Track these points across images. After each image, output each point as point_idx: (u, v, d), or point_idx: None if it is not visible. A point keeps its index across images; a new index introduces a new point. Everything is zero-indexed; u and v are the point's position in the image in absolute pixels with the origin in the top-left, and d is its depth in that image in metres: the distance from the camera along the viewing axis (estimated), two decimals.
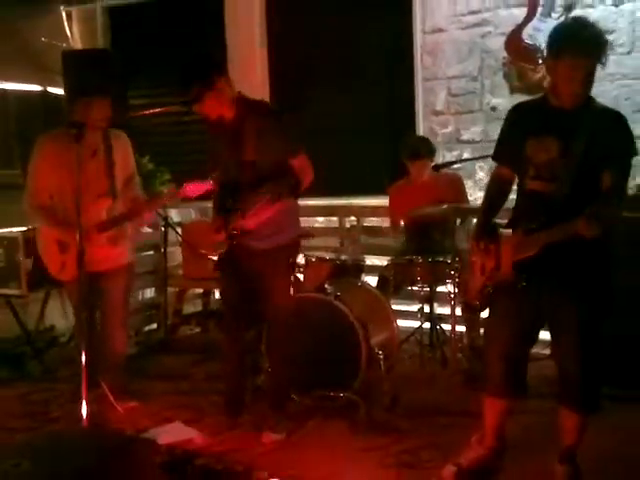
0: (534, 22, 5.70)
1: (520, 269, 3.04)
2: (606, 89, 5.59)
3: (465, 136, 6.15)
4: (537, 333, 3.21)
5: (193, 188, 3.91)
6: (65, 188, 3.94)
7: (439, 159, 5.75)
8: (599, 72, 5.45)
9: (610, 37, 5.51)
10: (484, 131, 6.02)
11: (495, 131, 5.79)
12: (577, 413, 3.10)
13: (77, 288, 3.90)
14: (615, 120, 3.01)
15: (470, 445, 3.37)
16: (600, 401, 3.12)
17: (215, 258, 3.94)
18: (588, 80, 2.97)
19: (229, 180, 3.76)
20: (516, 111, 3.22)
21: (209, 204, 6.30)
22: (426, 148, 5.02)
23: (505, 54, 5.82)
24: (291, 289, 4.03)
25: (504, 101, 5.81)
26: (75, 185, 3.69)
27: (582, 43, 2.94)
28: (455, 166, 4.95)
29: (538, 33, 5.69)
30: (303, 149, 3.74)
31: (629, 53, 5.54)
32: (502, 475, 3.28)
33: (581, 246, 2.87)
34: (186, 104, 3.75)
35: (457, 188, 5.03)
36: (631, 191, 4.30)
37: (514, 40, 5.75)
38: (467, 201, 5.10)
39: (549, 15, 5.68)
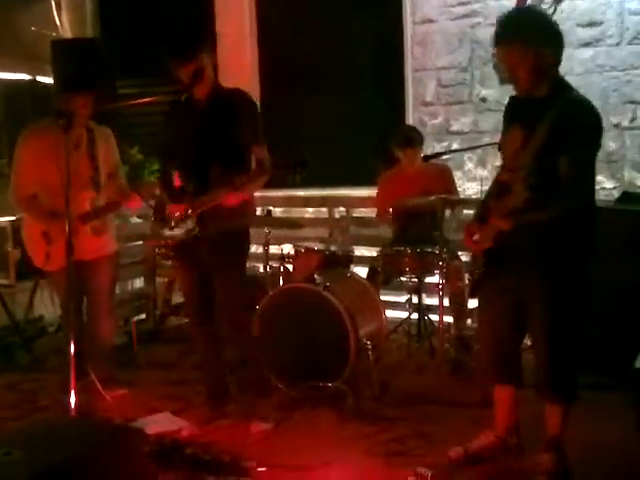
0: None
1: (489, 257, 3.11)
2: (595, 80, 5.62)
3: (455, 127, 6.16)
4: (525, 321, 3.22)
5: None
6: (50, 179, 3.95)
7: (428, 150, 5.76)
8: (588, 63, 5.50)
9: (598, 29, 5.58)
10: (474, 122, 6.02)
11: (485, 122, 5.91)
12: (550, 402, 3.14)
13: (63, 278, 3.88)
14: (578, 109, 2.96)
15: (484, 432, 3.41)
16: (576, 390, 3.14)
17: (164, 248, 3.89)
18: (520, 66, 2.97)
19: (192, 162, 3.71)
20: (507, 103, 3.27)
21: None
22: (417, 137, 5.04)
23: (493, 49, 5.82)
24: (241, 279, 3.90)
25: (494, 92, 5.83)
26: (63, 176, 3.68)
27: (498, 32, 3.01)
28: (444, 157, 4.94)
29: None
30: (266, 143, 3.72)
31: (617, 45, 5.55)
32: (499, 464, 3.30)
33: (536, 234, 2.97)
34: (177, 93, 3.76)
35: (446, 179, 5.05)
36: None
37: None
38: (456, 192, 5.12)
39: (538, 6, 5.67)
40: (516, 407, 3.35)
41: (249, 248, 3.97)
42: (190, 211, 3.62)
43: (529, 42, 2.95)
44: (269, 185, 3.80)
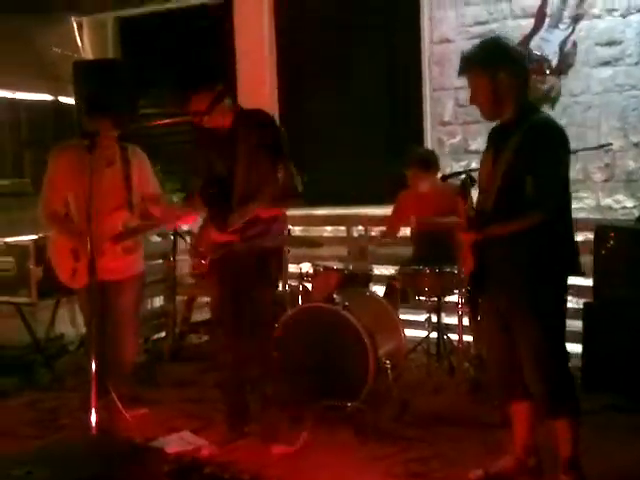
0: (541, 33, 5.74)
1: (472, 281, 3.18)
2: (614, 100, 5.62)
3: (473, 146, 6.16)
4: None
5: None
6: (79, 198, 3.99)
7: (447, 169, 5.77)
8: (607, 83, 5.51)
9: (618, 48, 5.58)
10: None
11: None
12: (552, 419, 3.14)
13: (87, 296, 3.94)
14: (541, 129, 3.03)
15: (504, 455, 3.39)
16: (576, 404, 3.13)
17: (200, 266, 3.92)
18: (478, 92, 3.09)
19: (221, 186, 3.76)
20: (490, 131, 3.34)
21: None
22: (432, 160, 5.06)
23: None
24: (270, 298, 3.91)
25: None
26: (87, 195, 3.72)
27: (461, 62, 3.13)
28: (463, 176, 4.93)
29: (545, 44, 5.72)
30: (290, 163, 3.72)
31: (637, 64, 5.54)
32: None
33: (508, 254, 3.06)
34: (198, 114, 3.80)
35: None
36: None
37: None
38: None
39: (556, 26, 5.71)
40: (533, 427, 3.32)
41: (282, 269, 4.01)
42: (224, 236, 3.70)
43: (484, 68, 3.05)
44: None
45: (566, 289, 3.18)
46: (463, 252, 3.23)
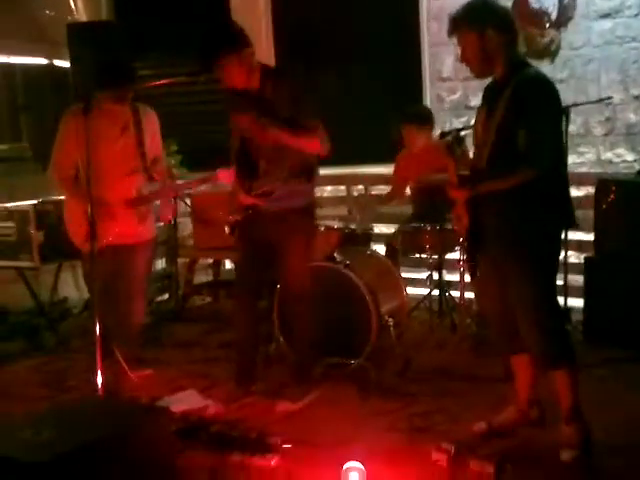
0: None
1: (469, 236, 3.21)
2: (614, 52, 5.57)
3: (473, 102, 6.10)
4: None
5: (226, 174, 3.95)
6: (94, 163, 3.90)
7: (447, 125, 5.74)
8: (607, 35, 5.47)
9: (618, 0, 5.51)
10: None
11: None
12: (548, 369, 3.18)
13: (101, 259, 3.94)
14: (530, 84, 3.04)
15: (507, 406, 3.43)
16: (571, 353, 3.16)
17: (229, 225, 3.95)
18: (467, 50, 3.12)
19: (251, 147, 3.77)
20: (484, 88, 3.35)
21: None
22: (426, 115, 5.08)
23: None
24: (307, 257, 3.94)
25: None
26: (86, 163, 3.74)
27: (449, 22, 3.18)
28: (463, 132, 4.91)
29: None
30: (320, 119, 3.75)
31: (637, 16, 5.49)
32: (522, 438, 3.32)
33: (503, 209, 3.08)
34: (195, 74, 3.77)
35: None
36: None
37: (521, 4, 5.70)
38: None
39: None
40: (536, 379, 3.35)
41: (315, 229, 4.08)
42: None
43: (472, 26, 3.08)
44: None
45: (559, 243, 3.21)
46: (457, 209, 3.24)
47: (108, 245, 4.02)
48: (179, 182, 4.55)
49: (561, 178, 3.15)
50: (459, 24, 3.13)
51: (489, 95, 3.22)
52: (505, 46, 3.09)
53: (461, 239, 3.49)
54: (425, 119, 5.04)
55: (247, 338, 4.02)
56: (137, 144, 4.12)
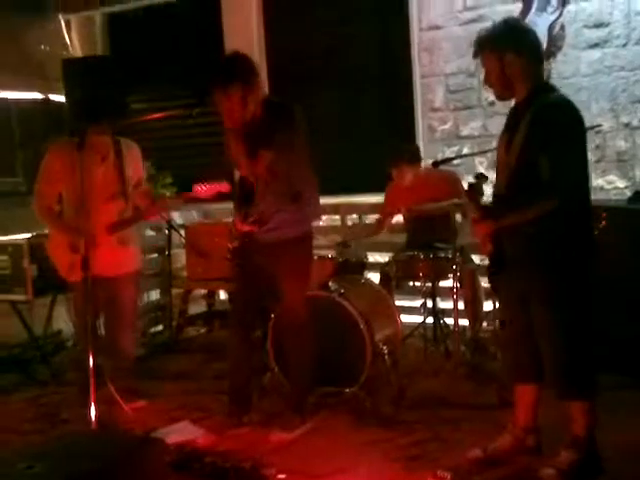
0: (530, 17, 5.73)
1: (493, 261, 3.21)
2: (603, 81, 5.63)
3: (464, 132, 6.17)
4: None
5: (203, 190, 3.96)
6: (73, 193, 4.04)
7: (439, 155, 5.79)
8: (596, 65, 5.53)
9: (606, 30, 5.59)
10: (483, 126, 6.04)
11: (494, 126, 5.92)
12: (564, 399, 3.16)
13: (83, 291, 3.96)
14: (552, 108, 3.03)
15: (503, 432, 3.41)
16: (593, 387, 3.15)
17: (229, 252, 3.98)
18: (490, 72, 3.15)
19: (248, 177, 3.79)
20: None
21: (212, 206, 6.40)
22: (417, 154, 5.18)
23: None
24: (303, 287, 3.94)
25: None
26: (79, 192, 3.79)
27: (474, 44, 3.19)
28: (455, 162, 4.99)
29: (534, 28, 5.70)
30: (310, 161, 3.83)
31: (624, 46, 5.55)
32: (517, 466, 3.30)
33: (528, 239, 3.07)
34: (189, 107, 3.82)
35: (451, 184, 5.05)
36: None
37: None
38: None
39: (544, 10, 5.70)
40: (536, 408, 3.34)
41: (311, 256, 4.06)
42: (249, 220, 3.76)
43: (493, 49, 3.10)
44: None
45: (586, 274, 3.14)
46: (481, 240, 3.22)
47: (93, 277, 4.04)
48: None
49: (586, 207, 3.12)
50: (482, 47, 3.15)
51: (511, 119, 3.19)
52: (527, 70, 3.09)
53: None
54: (417, 157, 5.12)
55: (241, 368, 4.00)
56: (117, 171, 4.17)
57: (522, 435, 3.35)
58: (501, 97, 3.22)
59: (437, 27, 6.19)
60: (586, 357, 3.16)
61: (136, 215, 4.26)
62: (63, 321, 5.73)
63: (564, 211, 2.99)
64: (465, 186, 3.42)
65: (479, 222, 3.16)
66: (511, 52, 3.07)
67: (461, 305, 4.74)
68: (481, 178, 3.27)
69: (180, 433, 3.84)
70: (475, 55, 3.20)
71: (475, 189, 3.24)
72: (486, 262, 4.91)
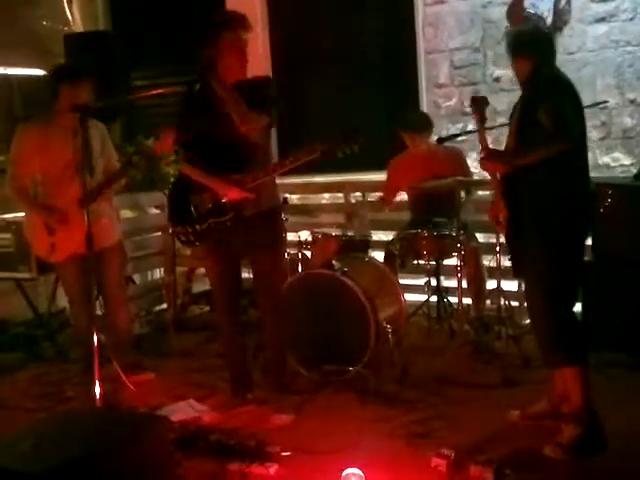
0: None
1: (507, 238, 3.45)
2: (609, 56, 5.57)
3: (469, 108, 6.11)
4: None
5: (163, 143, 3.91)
6: (47, 172, 4.12)
7: (443, 132, 5.75)
8: (602, 39, 5.51)
9: (612, 4, 5.52)
10: None
11: (499, 102, 5.86)
12: (554, 367, 3.30)
13: (70, 269, 4.15)
14: (547, 79, 3.31)
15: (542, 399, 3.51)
16: (582, 353, 3.22)
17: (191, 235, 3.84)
18: (517, 70, 3.46)
19: (228, 142, 3.67)
20: None
21: None
22: (424, 122, 5.09)
23: (507, 24, 5.79)
24: (283, 258, 4.04)
25: (507, 72, 5.72)
26: (53, 169, 3.94)
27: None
28: (460, 138, 4.95)
29: (540, 2, 5.66)
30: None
31: (632, 20, 5.49)
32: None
33: (519, 192, 3.28)
34: (190, 84, 3.77)
35: (457, 161, 5.03)
36: None
37: (516, 9, 5.71)
38: (469, 174, 5.11)
39: None
40: None
41: (285, 228, 4.08)
42: (249, 184, 3.64)
43: (511, 53, 3.47)
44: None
45: (578, 240, 3.32)
46: (494, 200, 3.44)
47: (73, 255, 4.05)
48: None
49: (586, 167, 3.32)
50: (507, 49, 3.51)
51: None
52: (533, 67, 3.34)
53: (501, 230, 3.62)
54: (426, 125, 5.07)
55: (236, 350, 4.01)
56: (84, 144, 4.05)
57: (557, 401, 3.39)
58: (520, 83, 3.48)
59: (442, 2, 6.12)
60: (571, 324, 3.27)
61: (102, 184, 4.18)
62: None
63: (563, 174, 3.18)
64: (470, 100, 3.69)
65: (486, 158, 3.39)
66: (521, 58, 3.40)
67: (464, 283, 4.73)
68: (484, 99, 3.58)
69: (184, 411, 3.86)
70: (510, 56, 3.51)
71: (480, 101, 3.54)
72: (490, 240, 4.99)
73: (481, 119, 3.51)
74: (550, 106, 3.14)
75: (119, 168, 4.22)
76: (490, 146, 3.52)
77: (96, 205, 4.11)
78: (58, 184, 4.12)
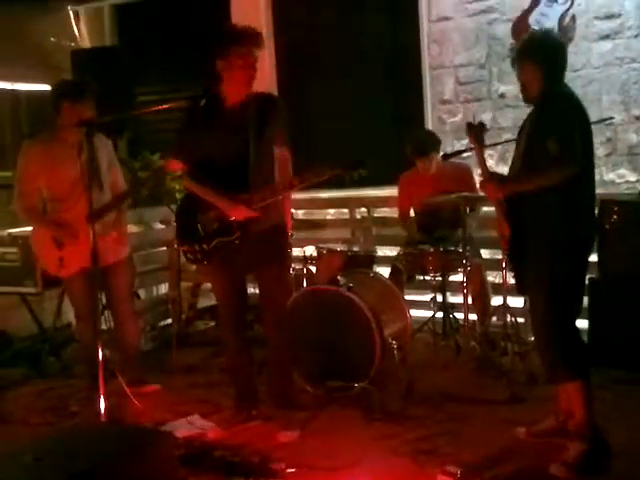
0: (540, 7, 5.70)
1: (510, 256, 3.47)
2: (614, 73, 5.59)
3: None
4: None
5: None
6: (53, 188, 4.15)
7: (448, 148, 5.76)
8: (607, 56, 5.53)
9: (617, 21, 5.55)
10: (493, 118, 6.00)
11: (504, 118, 5.89)
12: (557, 382, 3.31)
13: (78, 283, 4.15)
14: (556, 100, 3.26)
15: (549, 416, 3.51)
16: (583, 367, 3.23)
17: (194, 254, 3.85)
18: (520, 77, 3.41)
19: (228, 162, 3.69)
20: None
21: None
22: (432, 143, 5.06)
23: (512, 40, 5.81)
24: (287, 275, 4.06)
25: (512, 88, 5.76)
26: (60, 185, 3.95)
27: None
28: (465, 155, 4.96)
29: (544, 18, 5.68)
30: (289, 143, 3.81)
31: (636, 37, 5.51)
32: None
33: (523, 212, 3.29)
34: (195, 99, 3.79)
35: (464, 178, 5.03)
36: None
37: (521, 26, 5.74)
38: (475, 189, 5.10)
39: (555, 1, 5.66)
40: None
41: (290, 244, 4.07)
42: (257, 204, 3.64)
43: (519, 57, 3.40)
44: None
45: (581, 259, 3.30)
46: (498, 218, 3.42)
47: (81, 269, 4.05)
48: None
49: (591, 190, 3.30)
50: (516, 54, 3.44)
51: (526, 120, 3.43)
52: (542, 78, 3.30)
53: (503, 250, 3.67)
54: (433, 144, 5.07)
55: (242, 366, 4.01)
56: (90, 159, 4.10)
57: (563, 418, 3.38)
58: (524, 99, 3.43)
59: (447, 18, 6.15)
60: (574, 338, 3.27)
61: (112, 202, 4.26)
62: (72, 313, 5.74)
63: (571, 191, 3.15)
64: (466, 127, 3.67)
65: (486, 183, 3.39)
66: (530, 63, 3.33)
67: (470, 299, 4.71)
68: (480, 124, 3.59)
69: (189, 427, 3.85)
70: (512, 62, 3.46)
71: (475, 127, 3.55)
72: (495, 256, 4.98)
73: (478, 144, 3.53)
74: (559, 137, 3.12)
75: (127, 188, 4.25)
76: (491, 169, 3.52)
77: (105, 220, 4.14)
78: (66, 199, 4.14)
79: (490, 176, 3.45)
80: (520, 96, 3.46)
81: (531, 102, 3.40)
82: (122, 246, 4.39)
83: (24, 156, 4.25)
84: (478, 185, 3.56)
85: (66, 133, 4.14)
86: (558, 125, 3.15)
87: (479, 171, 3.53)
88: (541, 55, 3.34)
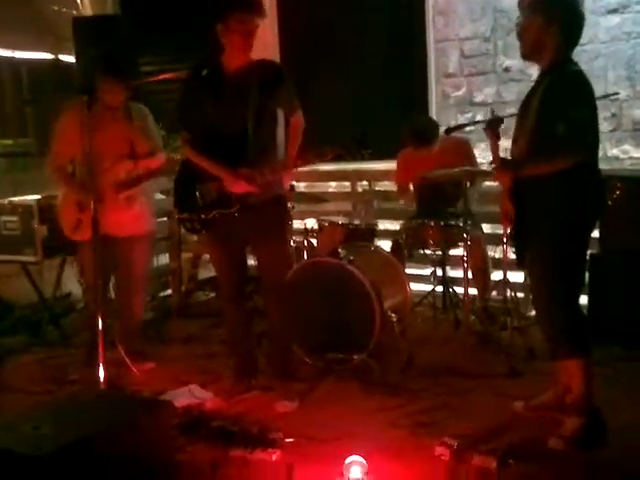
0: None
1: (513, 225, 3.36)
2: (621, 48, 5.54)
3: (478, 98, 6.09)
4: None
5: None
6: (90, 151, 4.00)
7: (452, 122, 5.72)
8: (615, 31, 5.45)
9: None
10: (497, 92, 5.96)
11: (508, 92, 5.85)
12: (560, 358, 3.30)
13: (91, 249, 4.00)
14: (564, 78, 3.12)
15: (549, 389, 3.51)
16: (585, 345, 3.22)
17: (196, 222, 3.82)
18: (526, 31, 3.21)
19: (229, 132, 3.67)
20: None
21: None
22: (432, 130, 5.00)
23: (519, 13, 5.73)
24: (287, 246, 4.05)
25: (517, 62, 5.71)
26: (87, 151, 3.77)
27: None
28: (468, 128, 4.92)
29: None
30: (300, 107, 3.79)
31: None
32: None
33: (528, 193, 3.21)
34: (197, 67, 3.75)
35: (464, 152, 5.00)
36: None
37: None
38: (475, 164, 5.07)
39: None
40: None
41: (290, 216, 4.03)
42: (257, 181, 3.61)
43: (531, 10, 3.18)
44: None
45: (584, 240, 3.28)
46: (502, 200, 3.40)
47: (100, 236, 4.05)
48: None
49: (596, 170, 3.23)
50: (526, 4, 3.22)
51: (532, 87, 3.30)
52: (556, 41, 3.13)
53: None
54: (434, 133, 5.00)
55: (239, 334, 4.02)
56: (127, 131, 4.18)
57: (562, 392, 3.38)
58: (524, 56, 3.29)
59: None
60: (577, 315, 3.26)
61: (143, 175, 4.24)
62: (72, 283, 5.75)
63: (577, 173, 3.08)
64: (485, 124, 3.54)
65: (499, 171, 3.33)
66: (543, 19, 3.13)
67: (470, 274, 4.71)
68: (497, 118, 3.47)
69: (188, 396, 3.86)
70: (520, 6, 3.26)
71: (496, 123, 3.44)
72: (496, 230, 4.97)
73: (495, 138, 3.44)
74: (571, 119, 3.02)
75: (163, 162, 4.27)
76: (501, 154, 3.42)
77: (131, 192, 4.15)
78: (97, 165, 4.02)
79: (504, 163, 3.34)
80: (525, 70, 3.38)
81: (531, 60, 3.30)
82: (144, 221, 4.33)
83: (63, 118, 4.22)
84: (493, 170, 3.48)
85: (105, 97, 4.12)
86: (569, 108, 3.04)
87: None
88: (556, 14, 3.14)
